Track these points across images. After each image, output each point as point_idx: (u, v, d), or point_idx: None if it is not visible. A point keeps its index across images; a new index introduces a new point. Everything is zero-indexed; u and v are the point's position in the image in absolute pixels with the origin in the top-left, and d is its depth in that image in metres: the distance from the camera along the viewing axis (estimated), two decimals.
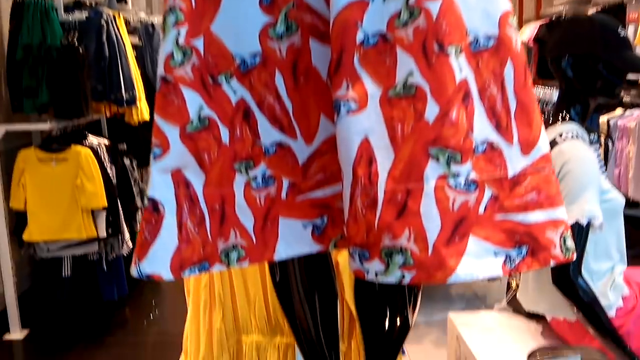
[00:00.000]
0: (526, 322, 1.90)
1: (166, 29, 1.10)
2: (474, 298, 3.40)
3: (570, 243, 1.04)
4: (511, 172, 1.03)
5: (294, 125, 1.11)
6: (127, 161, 3.72)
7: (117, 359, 2.94)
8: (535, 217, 1.03)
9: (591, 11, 4.79)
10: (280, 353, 1.80)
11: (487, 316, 1.99)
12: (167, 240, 1.10)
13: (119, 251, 3.46)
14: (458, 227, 0.97)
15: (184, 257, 1.11)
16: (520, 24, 8.15)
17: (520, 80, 1.05)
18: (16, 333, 3.16)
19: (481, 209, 1.00)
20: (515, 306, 1.95)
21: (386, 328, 1.33)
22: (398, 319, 1.33)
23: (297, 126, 1.11)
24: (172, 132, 1.10)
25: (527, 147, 1.05)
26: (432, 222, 0.96)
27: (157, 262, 1.10)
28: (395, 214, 0.97)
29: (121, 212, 3.43)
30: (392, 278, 0.98)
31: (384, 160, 0.98)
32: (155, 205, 1.10)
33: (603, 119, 4.18)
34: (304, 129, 1.11)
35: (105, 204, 3.24)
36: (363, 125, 0.98)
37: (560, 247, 1.03)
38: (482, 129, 1.02)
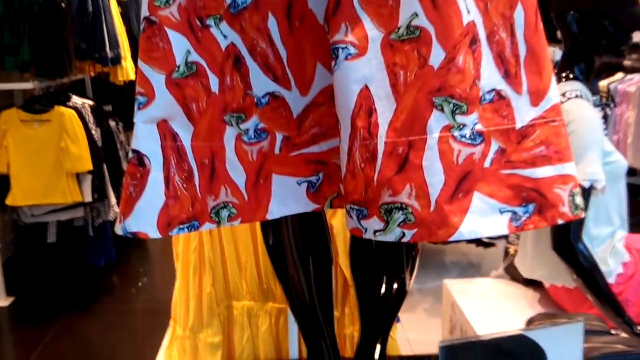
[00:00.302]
0: (523, 289, 1.86)
1: None
2: (469, 266, 3.38)
3: (579, 200, 0.98)
4: (519, 123, 0.96)
5: (288, 74, 1.03)
6: (112, 123, 3.65)
7: (105, 326, 2.91)
8: (543, 172, 0.96)
9: None
10: (272, 319, 1.75)
11: (484, 283, 1.95)
12: (153, 196, 1.03)
13: (106, 216, 3.41)
14: (462, 182, 0.91)
15: (172, 214, 1.04)
16: None
17: (531, 25, 0.97)
18: (2, 300, 3.12)
19: (487, 163, 0.94)
20: (512, 273, 1.92)
21: (382, 292, 1.27)
22: (395, 283, 1.28)
23: (292, 75, 1.03)
24: (157, 78, 1.02)
25: (536, 97, 0.98)
26: (434, 177, 0.90)
27: (143, 220, 1.03)
28: (396, 168, 0.90)
29: (107, 176, 3.36)
30: (391, 236, 0.92)
31: (384, 111, 0.91)
32: (140, 159, 1.03)
33: (603, 83, 4.12)
34: (298, 79, 1.04)
35: (91, 167, 3.17)
36: (363, 72, 0.91)
37: (569, 204, 0.97)
38: (490, 77, 0.94)
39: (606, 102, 2.23)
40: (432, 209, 0.89)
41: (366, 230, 0.93)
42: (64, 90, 3.34)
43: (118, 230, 1.04)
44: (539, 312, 1.65)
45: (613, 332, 1.50)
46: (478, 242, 2.98)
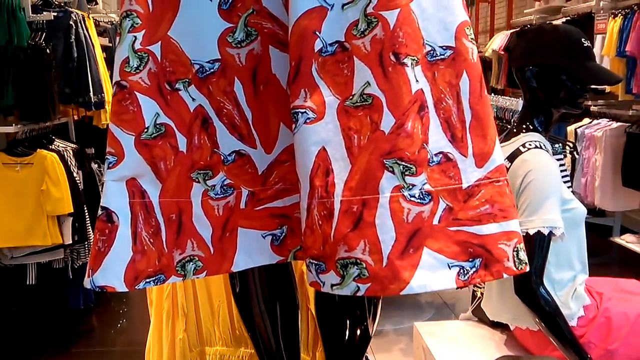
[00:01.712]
0: (491, 331, 1.91)
1: (122, 34, 1.07)
2: (443, 306, 3.41)
3: (523, 256, 1.04)
4: (465, 183, 1.03)
5: (254, 134, 1.10)
6: (95, 166, 3.67)
7: None
8: (489, 229, 1.03)
9: (560, 21, 4.86)
10: None
11: (452, 326, 1.99)
12: (121, 251, 1.07)
13: (86, 258, 3.40)
14: (412, 239, 0.97)
15: (139, 268, 1.09)
16: (492, 33, 8.26)
17: (475, 92, 1.05)
18: None
19: (435, 220, 1.00)
20: (480, 316, 1.96)
21: (347, 338, 1.32)
22: (358, 330, 1.32)
23: (257, 135, 1.10)
24: (127, 140, 1.07)
25: (481, 159, 1.05)
26: (386, 234, 0.96)
27: (110, 274, 1.07)
28: (351, 226, 0.96)
29: (88, 218, 3.38)
30: (347, 290, 0.97)
31: (340, 171, 0.98)
32: (109, 215, 1.08)
33: (570, 128, 4.25)
34: (263, 138, 1.10)
35: (72, 209, 3.18)
36: (320, 135, 0.98)
37: (514, 259, 1.03)
38: (437, 141, 1.01)
39: (570, 149, 2.31)
40: (384, 264, 0.95)
41: (324, 284, 0.99)
42: (47, 134, 3.37)
43: (86, 284, 1.08)
44: (504, 355, 1.69)
45: None
46: None
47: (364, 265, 0.95)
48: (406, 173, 0.96)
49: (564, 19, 4.90)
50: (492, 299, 1.80)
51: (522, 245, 1.05)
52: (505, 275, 1.03)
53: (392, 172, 0.96)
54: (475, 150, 1.04)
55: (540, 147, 1.65)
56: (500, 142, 1.74)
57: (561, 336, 1.58)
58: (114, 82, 1.09)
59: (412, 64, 0.98)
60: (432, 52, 1.02)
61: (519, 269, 1.03)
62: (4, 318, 3.41)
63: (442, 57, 1.03)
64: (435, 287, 0.98)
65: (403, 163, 0.96)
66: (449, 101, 1.03)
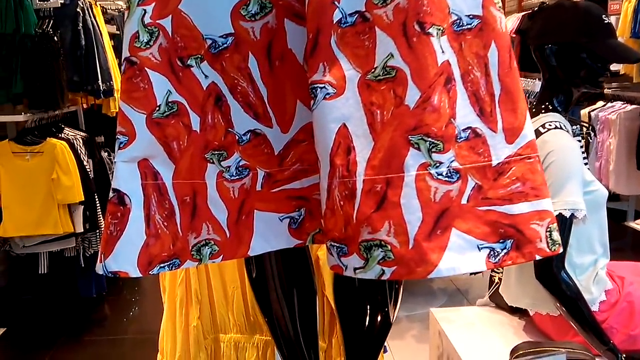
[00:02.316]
0: (509, 317, 1.88)
1: (131, 7, 1.03)
2: (456, 292, 3.39)
3: (556, 236, 0.99)
4: (495, 160, 0.98)
5: (269, 112, 1.05)
6: (104, 154, 3.67)
7: (95, 357, 2.90)
8: (520, 208, 0.98)
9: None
10: (260, 351, 1.75)
11: (469, 311, 1.96)
12: (134, 235, 1.04)
13: (97, 247, 3.40)
14: (440, 219, 0.92)
15: (153, 253, 1.05)
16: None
17: (505, 63, 1.00)
18: None
19: (464, 200, 0.95)
20: (497, 301, 1.93)
21: (366, 325, 1.28)
22: (379, 316, 1.28)
23: (273, 113, 1.05)
24: (138, 118, 1.03)
25: (512, 134, 1.00)
26: (413, 214, 0.91)
27: (123, 259, 1.03)
28: (375, 206, 0.91)
29: (99, 206, 3.37)
30: (371, 274, 0.93)
31: (362, 149, 0.93)
32: (120, 198, 1.04)
33: (584, 111, 4.19)
34: (279, 116, 1.06)
35: (82, 198, 3.18)
36: (341, 111, 0.93)
37: (547, 240, 0.98)
38: (465, 115, 0.96)
39: (587, 131, 2.26)
40: (410, 246, 0.90)
41: (346, 267, 0.94)
42: (57, 122, 3.36)
43: (98, 269, 1.05)
44: (524, 341, 1.66)
45: (597, 359, 1.51)
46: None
47: (389, 247, 0.91)
48: (433, 150, 0.91)
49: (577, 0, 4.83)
50: (510, 284, 1.77)
51: (555, 225, 0.99)
52: (537, 257, 0.99)
53: (418, 149, 0.91)
54: (505, 125, 0.99)
55: (561, 128, 1.61)
56: None
57: (583, 321, 1.54)
58: (123, 58, 1.05)
59: (437, 33, 0.92)
60: (458, 21, 0.97)
61: (552, 250, 0.99)
62: (17, 307, 3.42)
63: (469, 26, 0.97)
64: (465, 269, 0.93)
65: (429, 139, 0.91)
66: (476, 73, 0.97)
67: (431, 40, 0.92)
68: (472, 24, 0.97)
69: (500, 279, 1.87)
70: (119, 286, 3.72)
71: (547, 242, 0.98)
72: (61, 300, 3.48)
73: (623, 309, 1.61)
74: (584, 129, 2.30)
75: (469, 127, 0.96)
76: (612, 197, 4.43)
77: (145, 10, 1.02)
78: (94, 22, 3.53)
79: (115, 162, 1.05)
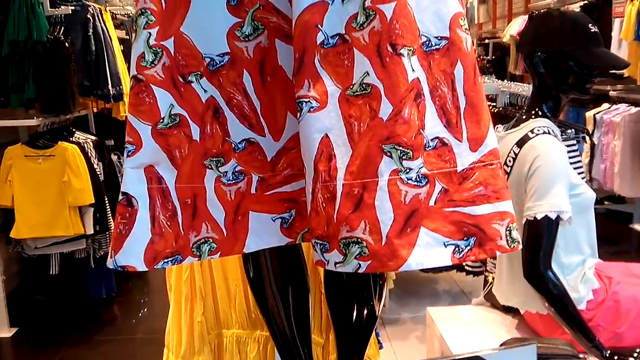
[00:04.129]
0: (502, 316, 1.94)
1: (138, 30, 1.12)
2: (460, 294, 3.43)
3: (515, 235, 1.09)
4: (460, 167, 1.08)
5: (262, 122, 1.15)
6: (114, 157, 3.74)
7: (105, 356, 2.97)
8: (482, 209, 1.07)
9: (578, 5, 4.83)
10: (261, 346, 1.82)
11: (465, 310, 2.03)
12: (140, 234, 1.14)
13: (107, 248, 3.46)
14: (410, 219, 1.02)
15: (157, 249, 1.15)
16: (510, 18, 8.21)
17: (469, 80, 1.09)
18: (4, 331, 3.19)
19: (432, 202, 1.05)
20: (492, 301, 1.99)
21: (354, 317, 1.38)
22: (365, 309, 1.37)
23: (265, 123, 1.15)
24: (144, 129, 1.13)
25: (475, 143, 1.09)
26: (385, 215, 1.01)
27: (131, 255, 1.14)
28: (352, 207, 1.01)
29: (108, 208, 3.45)
30: (349, 267, 1.02)
31: (342, 157, 1.03)
32: (129, 200, 1.14)
33: (589, 113, 4.22)
34: (271, 126, 1.15)
35: (93, 200, 3.25)
36: (323, 123, 1.03)
37: (506, 238, 1.08)
38: (433, 127, 1.06)
39: (583, 134, 2.32)
40: (383, 243, 1.00)
41: (328, 262, 1.04)
42: (68, 126, 3.44)
43: (109, 264, 1.15)
44: (512, 337, 1.72)
45: (581, 356, 1.57)
46: (467, 271, 3.06)
47: (365, 244, 1.01)
48: (403, 157, 1.01)
49: (582, 3, 4.87)
50: (502, 283, 1.83)
51: (514, 224, 1.09)
52: (498, 253, 1.09)
53: (390, 156, 1.01)
54: (470, 135, 1.09)
55: (549, 133, 1.67)
56: (511, 128, 1.77)
57: (569, 319, 1.60)
58: (131, 75, 1.15)
59: (408, 54, 1.02)
60: (427, 42, 1.07)
61: (512, 247, 1.08)
62: (29, 307, 3.50)
63: (437, 47, 1.07)
64: (432, 263, 1.03)
65: (400, 148, 1.01)
66: (444, 89, 1.07)
67: (402, 60, 1.01)
68: (440, 45, 1.07)
69: (494, 279, 1.93)
70: (128, 287, 3.80)
71: (507, 240, 1.08)
72: (71, 301, 3.55)
73: (609, 308, 1.67)
74: (581, 132, 2.35)
75: (436, 137, 1.06)
76: (617, 199, 4.45)
77: (150, 33, 1.12)
78: (104, 27, 3.61)
79: (124, 168, 1.15)
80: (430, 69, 1.06)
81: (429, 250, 1.03)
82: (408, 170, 1.01)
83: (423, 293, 3.48)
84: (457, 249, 1.05)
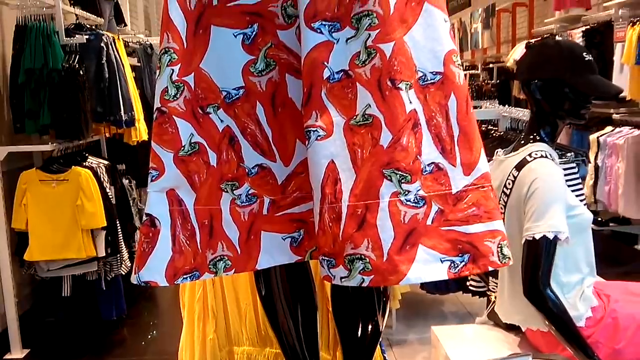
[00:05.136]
0: (505, 334, 1.99)
1: (161, 67, 1.24)
2: (467, 315, 3.47)
3: (506, 251, 1.19)
4: (454, 189, 1.19)
5: (274, 149, 1.26)
6: (125, 181, 3.81)
7: None
8: (475, 228, 1.18)
9: (580, 30, 4.92)
10: None
11: (468, 329, 2.09)
12: (162, 252, 1.24)
13: (118, 270, 3.52)
14: (409, 237, 1.13)
15: (177, 266, 1.25)
16: (513, 42, 8.33)
17: (462, 110, 1.21)
18: (17, 353, 3.23)
19: (429, 221, 1.16)
20: (494, 319, 2.04)
21: (360, 332, 1.47)
22: (370, 325, 1.47)
23: (276, 150, 1.26)
24: (167, 156, 1.24)
25: (468, 168, 1.20)
26: (386, 233, 1.12)
27: (153, 271, 1.24)
28: (356, 227, 1.12)
29: (120, 231, 3.51)
30: (353, 282, 1.13)
31: (347, 180, 1.14)
32: (152, 221, 1.25)
33: (593, 136, 4.29)
34: (282, 153, 1.26)
35: (105, 223, 3.31)
36: (329, 150, 1.14)
37: (498, 254, 1.18)
38: (430, 153, 1.18)
39: (583, 157, 2.39)
40: (385, 259, 1.11)
41: (334, 277, 1.14)
42: (81, 151, 3.52)
43: (133, 279, 1.25)
44: (513, 352, 1.77)
45: None
46: (473, 292, 3.10)
47: (368, 260, 1.11)
48: (402, 181, 1.13)
49: (584, 28, 4.96)
50: (504, 302, 1.89)
51: (505, 242, 1.20)
52: (490, 268, 1.19)
53: (391, 180, 1.13)
54: (463, 161, 1.20)
55: (546, 157, 1.74)
56: (510, 152, 1.85)
57: (569, 336, 1.65)
58: (155, 108, 1.26)
59: (406, 88, 1.14)
60: (423, 77, 1.19)
61: (503, 262, 1.18)
62: (41, 329, 3.54)
63: (433, 81, 1.19)
64: (429, 278, 1.14)
65: (400, 172, 1.12)
66: (439, 119, 1.19)
67: (400, 94, 1.13)
68: (435, 79, 1.19)
69: (496, 298, 1.98)
70: (138, 309, 3.85)
71: (499, 256, 1.18)
72: (83, 323, 3.58)
73: (608, 325, 1.72)
74: (580, 156, 2.42)
75: (432, 162, 1.18)
76: (623, 220, 4.48)
77: (173, 69, 1.24)
78: (117, 55, 3.70)
79: (148, 192, 1.26)
80: (426, 101, 1.18)
81: (426, 266, 1.13)
82: (407, 193, 1.12)
83: (430, 314, 3.53)
84: (452, 264, 1.15)
